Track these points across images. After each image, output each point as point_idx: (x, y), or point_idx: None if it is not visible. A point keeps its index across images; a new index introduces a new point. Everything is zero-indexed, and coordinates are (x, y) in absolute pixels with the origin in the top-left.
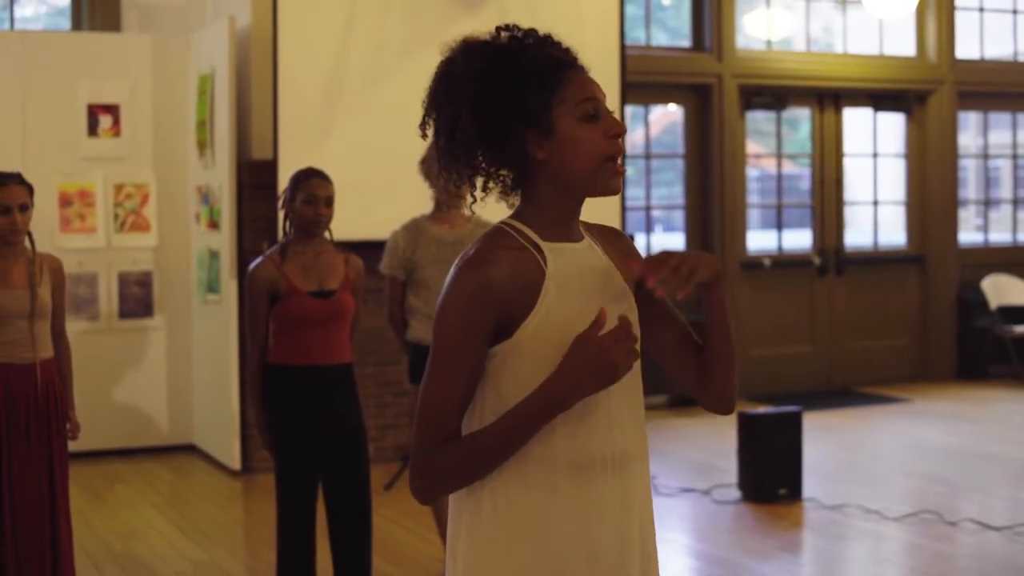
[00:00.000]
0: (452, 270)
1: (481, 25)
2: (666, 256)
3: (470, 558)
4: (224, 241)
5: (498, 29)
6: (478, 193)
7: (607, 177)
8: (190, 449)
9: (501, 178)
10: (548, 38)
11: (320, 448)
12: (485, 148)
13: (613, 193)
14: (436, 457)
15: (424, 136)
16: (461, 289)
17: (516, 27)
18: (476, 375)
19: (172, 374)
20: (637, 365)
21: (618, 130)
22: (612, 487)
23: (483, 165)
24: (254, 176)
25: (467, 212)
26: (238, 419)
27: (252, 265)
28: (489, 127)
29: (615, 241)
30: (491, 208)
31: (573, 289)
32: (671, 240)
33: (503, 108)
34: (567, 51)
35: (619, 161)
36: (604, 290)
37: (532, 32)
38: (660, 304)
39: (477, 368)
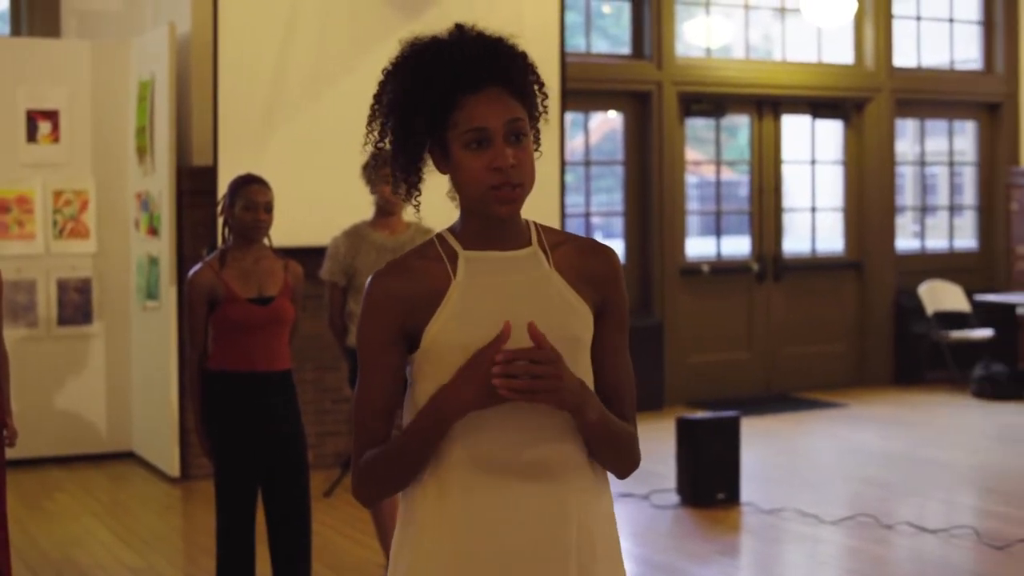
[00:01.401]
0: None
1: (422, 32)
2: (540, 362)
3: (396, 559)
4: (164, 248)
5: (457, 27)
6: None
7: (492, 204)
8: (129, 456)
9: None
10: (473, 45)
11: (260, 454)
12: (404, 160)
13: (501, 218)
14: (364, 462)
15: (369, 141)
16: (367, 301)
17: (460, 28)
18: (393, 382)
19: (111, 381)
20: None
21: (499, 164)
22: (533, 495)
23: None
24: (194, 182)
25: (408, 218)
26: (177, 426)
27: (191, 271)
28: (406, 141)
29: (587, 259)
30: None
31: (486, 297)
32: (611, 246)
33: (412, 125)
34: (485, 62)
35: (507, 189)
36: (532, 300)
37: (464, 36)
38: (599, 351)
39: (392, 375)
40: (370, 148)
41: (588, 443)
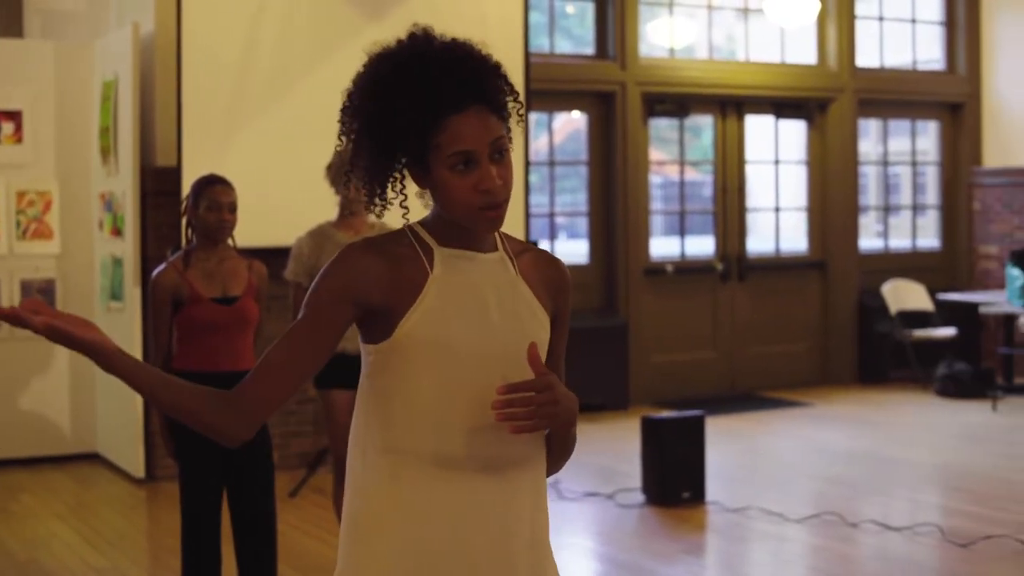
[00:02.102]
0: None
1: (385, 33)
2: (539, 390)
3: (346, 549)
4: (128, 248)
5: (414, 30)
6: (390, 196)
7: (479, 222)
8: (94, 458)
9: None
10: (450, 61)
11: (225, 455)
12: (378, 170)
13: (486, 232)
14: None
15: (343, 149)
16: (335, 265)
17: (425, 32)
18: (327, 340)
19: (75, 382)
20: (523, 373)
21: (488, 186)
22: (490, 490)
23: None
24: (158, 183)
25: (372, 218)
26: (142, 427)
27: (155, 272)
28: (381, 153)
29: (545, 269)
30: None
31: (461, 295)
32: (575, 247)
33: (385, 143)
34: (467, 82)
35: (494, 209)
36: (503, 303)
37: (443, 52)
38: (547, 357)
39: (333, 333)
40: (337, 148)
41: (553, 446)
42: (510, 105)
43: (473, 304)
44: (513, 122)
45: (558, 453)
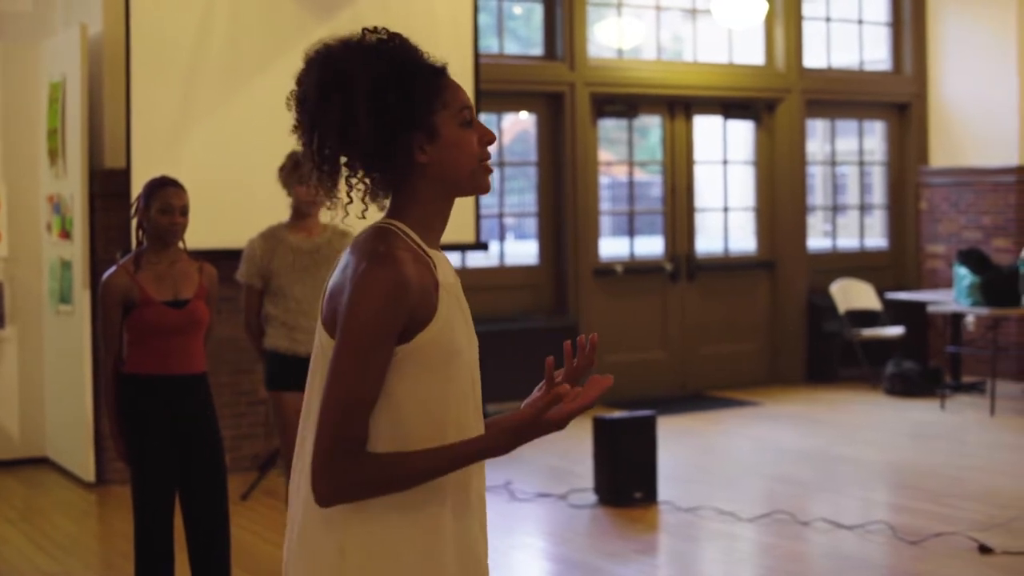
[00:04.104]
0: (357, 266)
1: (336, 33)
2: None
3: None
4: (76, 251)
5: (365, 31)
6: (354, 195)
7: (483, 176)
8: (43, 462)
9: (373, 180)
10: (414, 43)
11: (176, 458)
12: (371, 150)
13: (487, 191)
14: (356, 463)
15: (301, 138)
16: (377, 286)
17: (385, 30)
18: (383, 376)
19: (24, 386)
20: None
21: (491, 138)
22: (479, 523)
23: (360, 167)
24: (107, 185)
25: (325, 219)
26: (92, 430)
27: (105, 274)
28: (381, 130)
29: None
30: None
31: (455, 300)
32: (524, 248)
33: (396, 111)
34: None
35: (488, 161)
36: (465, 305)
37: (402, 36)
38: None
39: (385, 369)
40: (292, 149)
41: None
42: None
43: (459, 308)
44: None
45: None
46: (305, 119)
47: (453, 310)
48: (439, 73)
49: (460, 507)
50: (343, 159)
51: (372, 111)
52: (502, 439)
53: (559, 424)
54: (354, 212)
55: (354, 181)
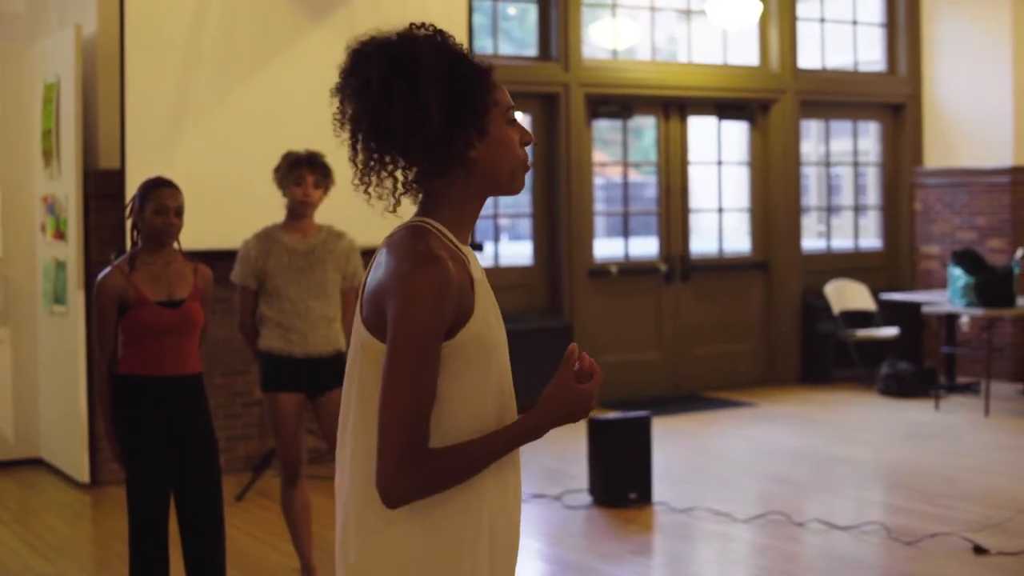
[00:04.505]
0: (398, 267)
1: (330, 34)
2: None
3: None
4: (71, 252)
5: (412, 26)
6: (380, 191)
7: (521, 176)
8: (37, 463)
9: (415, 175)
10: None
11: (171, 459)
12: (431, 143)
13: (519, 191)
14: (426, 462)
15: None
16: (424, 287)
17: (432, 26)
18: (439, 374)
19: (18, 387)
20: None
21: (529, 139)
22: (518, 480)
23: (404, 161)
24: (101, 186)
25: (320, 220)
26: (87, 431)
27: (100, 275)
28: (447, 123)
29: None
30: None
31: (489, 295)
32: (519, 249)
33: (460, 105)
34: None
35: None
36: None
37: (446, 32)
38: None
39: (439, 367)
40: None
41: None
42: None
43: (491, 303)
44: None
45: None
46: (360, 109)
47: (487, 305)
48: (489, 71)
49: (499, 500)
50: (386, 152)
51: (442, 102)
52: (540, 413)
53: (592, 394)
54: (379, 208)
55: (397, 175)
